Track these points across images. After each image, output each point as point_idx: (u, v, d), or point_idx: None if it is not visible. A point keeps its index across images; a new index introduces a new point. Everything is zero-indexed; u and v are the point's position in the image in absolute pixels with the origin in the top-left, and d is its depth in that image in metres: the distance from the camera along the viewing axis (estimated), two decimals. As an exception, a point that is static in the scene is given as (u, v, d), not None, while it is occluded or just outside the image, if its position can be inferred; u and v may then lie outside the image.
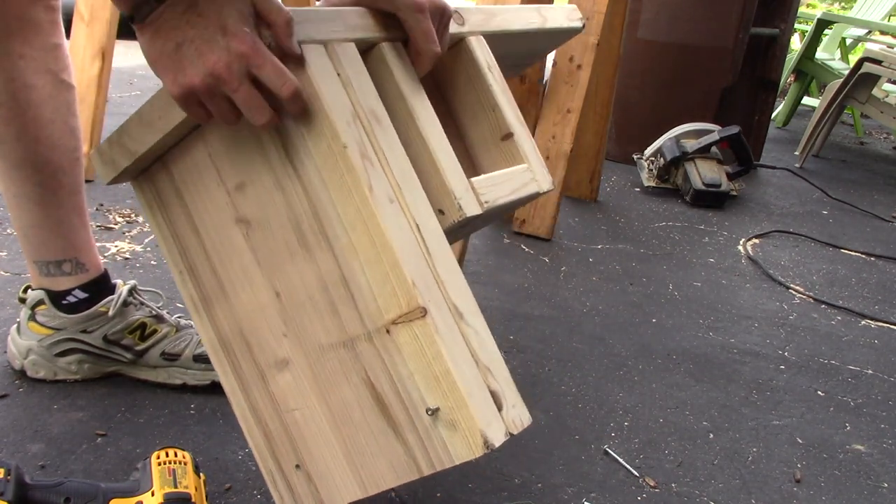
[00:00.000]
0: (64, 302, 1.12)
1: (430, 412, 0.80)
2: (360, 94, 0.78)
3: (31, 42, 1.02)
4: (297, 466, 0.88)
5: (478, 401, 0.76)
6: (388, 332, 0.79)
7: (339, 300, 0.81)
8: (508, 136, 0.94)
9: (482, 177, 0.88)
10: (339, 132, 0.74)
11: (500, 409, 0.78)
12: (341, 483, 0.89)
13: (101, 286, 1.14)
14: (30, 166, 1.06)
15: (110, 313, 1.12)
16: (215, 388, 1.17)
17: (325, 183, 0.77)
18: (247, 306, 0.86)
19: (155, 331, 1.15)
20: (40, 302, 1.12)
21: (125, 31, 2.49)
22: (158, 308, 1.18)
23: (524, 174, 0.93)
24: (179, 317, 1.20)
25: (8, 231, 1.64)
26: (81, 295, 1.12)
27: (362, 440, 0.87)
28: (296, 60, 0.73)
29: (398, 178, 0.78)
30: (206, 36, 0.69)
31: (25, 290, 1.14)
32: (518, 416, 0.80)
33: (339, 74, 0.77)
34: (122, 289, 1.14)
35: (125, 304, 1.14)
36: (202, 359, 1.16)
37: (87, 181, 1.98)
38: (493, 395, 0.78)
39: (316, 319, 0.83)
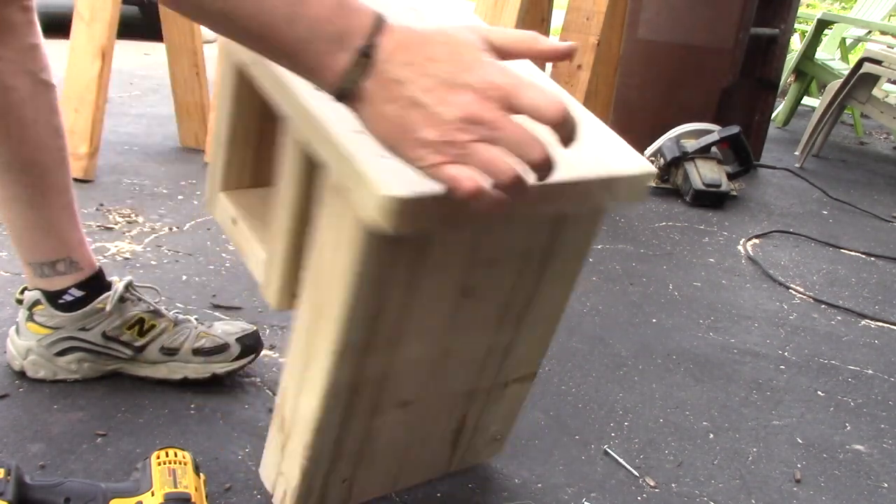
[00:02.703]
0: (60, 301, 1.12)
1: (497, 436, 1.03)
2: None
3: (7, 44, 1.02)
4: (344, 481, 0.92)
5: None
6: (506, 385, 0.96)
7: (492, 361, 0.91)
8: None
9: None
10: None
11: None
12: (375, 485, 0.96)
13: (96, 284, 1.14)
14: (17, 169, 1.06)
15: (107, 309, 1.12)
16: (215, 383, 1.18)
17: (562, 276, 0.86)
18: (407, 357, 0.82)
19: (153, 326, 1.15)
20: (37, 302, 1.12)
21: (125, 31, 2.49)
22: (155, 303, 1.18)
23: None
24: (177, 313, 1.20)
25: (7, 231, 1.64)
26: (77, 293, 1.12)
27: (422, 455, 0.97)
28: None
29: None
30: (448, 78, 0.57)
31: (22, 292, 1.14)
32: None
33: None
34: (119, 284, 1.14)
35: (122, 299, 1.14)
36: (201, 352, 1.16)
37: (86, 181, 2.00)
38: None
39: (462, 374, 0.89)
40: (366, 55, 0.58)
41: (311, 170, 0.75)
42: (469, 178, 0.57)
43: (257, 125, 0.89)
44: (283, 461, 0.91)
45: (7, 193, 1.08)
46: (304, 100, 0.70)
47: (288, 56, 0.59)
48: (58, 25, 2.44)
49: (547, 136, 0.59)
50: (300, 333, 0.83)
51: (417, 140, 0.57)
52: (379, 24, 0.58)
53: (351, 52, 0.57)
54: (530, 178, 0.60)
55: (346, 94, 0.59)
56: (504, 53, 0.61)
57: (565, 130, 0.59)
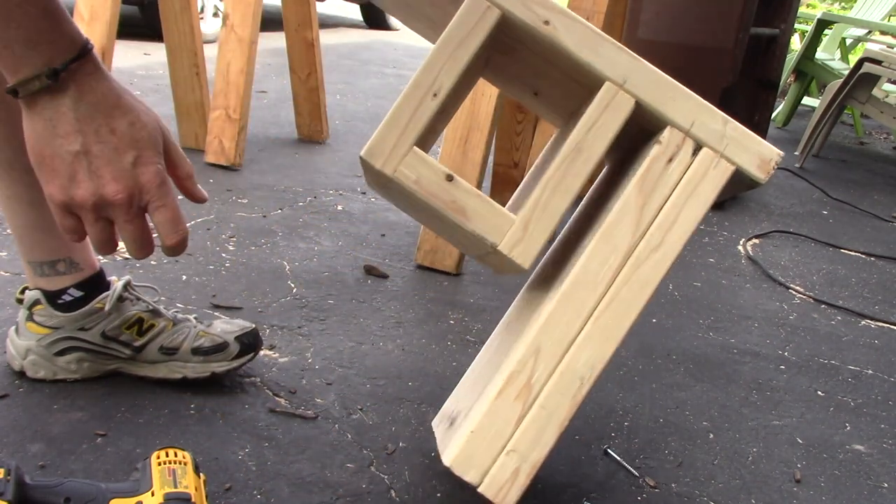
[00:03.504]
0: (59, 301, 1.12)
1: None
2: None
3: None
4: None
5: None
6: None
7: None
8: None
9: None
10: None
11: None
12: None
13: (95, 284, 1.14)
14: (20, 168, 1.06)
15: (106, 309, 1.12)
16: (215, 382, 1.18)
17: None
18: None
19: (152, 325, 1.15)
20: (37, 302, 1.12)
21: (125, 31, 2.49)
22: (154, 303, 1.18)
23: None
24: (176, 312, 1.20)
25: (7, 231, 1.64)
26: (76, 293, 1.12)
27: None
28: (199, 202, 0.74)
29: None
30: (115, 158, 0.65)
31: (22, 292, 1.14)
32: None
33: None
34: (117, 284, 1.14)
35: (121, 299, 1.14)
36: (200, 351, 1.16)
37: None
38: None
39: None
40: (50, 76, 0.63)
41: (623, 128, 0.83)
42: (76, 235, 0.69)
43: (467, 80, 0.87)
44: (518, 435, 0.84)
45: (9, 192, 1.08)
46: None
47: None
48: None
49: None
50: (580, 283, 0.83)
51: (62, 187, 0.65)
52: (81, 55, 0.64)
53: (32, 65, 0.63)
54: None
55: (17, 94, 0.65)
56: (170, 165, 0.71)
57: (175, 253, 0.71)
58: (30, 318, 1.13)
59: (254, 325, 1.21)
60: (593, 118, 0.83)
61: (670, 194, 0.84)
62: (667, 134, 0.84)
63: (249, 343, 1.19)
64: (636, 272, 0.83)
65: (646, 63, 0.84)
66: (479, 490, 0.82)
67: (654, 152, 0.84)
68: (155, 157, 0.67)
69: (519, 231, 0.82)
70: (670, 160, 0.84)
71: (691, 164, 0.84)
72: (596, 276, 0.83)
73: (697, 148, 0.84)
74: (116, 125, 0.66)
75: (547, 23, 0.82)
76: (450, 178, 0.83)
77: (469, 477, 0.83)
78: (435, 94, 0.82)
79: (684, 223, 0.83)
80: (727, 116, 0.84)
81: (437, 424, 1.09)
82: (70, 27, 0.66)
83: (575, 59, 0.83)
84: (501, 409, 0.83)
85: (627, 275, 0.83)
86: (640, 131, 0.90)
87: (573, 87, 0.93)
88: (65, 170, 0.64)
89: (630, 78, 0.83)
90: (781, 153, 0.85)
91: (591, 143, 0.83)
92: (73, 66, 0.64)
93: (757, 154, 0.84)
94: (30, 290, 1.13)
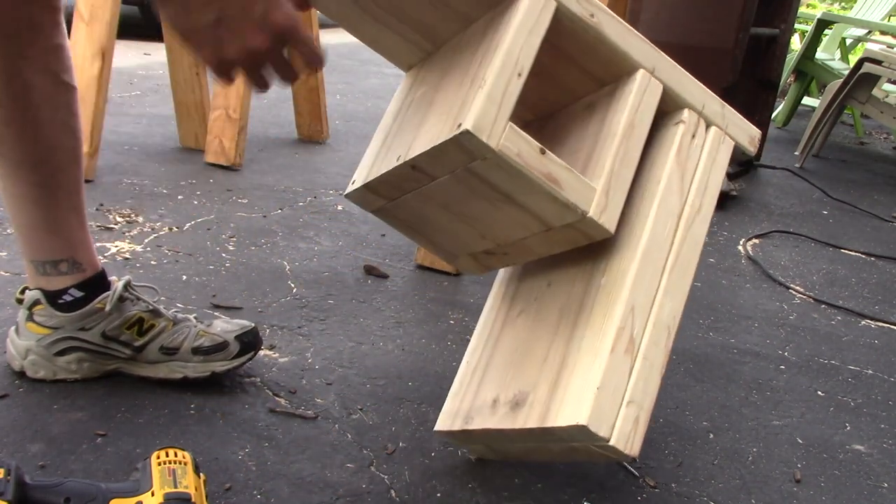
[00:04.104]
0: (60, 301, 1.12)
1: None
2: None
3: (32, 42, 1.02)
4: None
5: None
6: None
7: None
8: None
9: None
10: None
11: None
12: None
13: (97, 285, 1.14)
14: (29, 166, 1.06)
15: (107, 309, 1.12)
16: (215, 382, 1.18)
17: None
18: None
19: (152, 325, 1.15)
20: (37, 302, 1.12)
21: (125, 31, 2.48)
22: (154, 303, 1.18)
23: None
24: (176, 312, 1.20)
25: (8, 231, 1.64)
26: (77, 294, 1.12)
27: None
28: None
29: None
30: (248, 14, 0.70)
31: (22, 292, 1.14)
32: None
33: None
34: (118, 284, 1.14)
35: (121, 299, 1.14)
36: (201, 351, 1.16)
37: (86, 181, 1.99)
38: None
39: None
40: None
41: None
42: (231, 83, 0.76)
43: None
44: (632, 387, 0.87)
45: (16, 190, 1.08)
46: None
47: None
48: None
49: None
50: (653, 243, 0.92)
51: (213, 52, 0.72)
52: None
53: None
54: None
55: None
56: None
57: (316, 67, 0.77)
58: (30, 318, 1.13)
59: (254, 325, 1.21)
60: (637, 101, 0.94)
61: (698, 165, 0.97)
62: (686, 115, 0.97)
63: (249, 342, 1.19)
64: (689, 231, 0.94)
65: (664, 54, 0.97)
66: (611, 444, 0.85)
67: (681, 130, 0.97)
68: (280, 1, 0.72)
69: (603, 199, 0.90)
70: (693, 136, 0.97)
71: (707, 139, 0.98)
72: (662, 237, 0.93)
73: (707, 126, 0.99)
74: None
75: (592, 16, 0.93)
76: (543, 152, 0.89)
77: (602, 432, 0.85)
78: (519, 74, 0.88)
79: (713, 187, 0.97)
80: (721, 100, 1.00)
81: (466, 415, 1.08)
82: None
83: (615, 49, 0.93)
84: (616, 365, 0.88)
85: (683, 234, 0.94)
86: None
87: (573, 83, 1.02)
88: (209, 38, 0.71)
89: (657, 66, 0.96)
90: (760, 132, 1.03)
91: (639, 120, 0.94)
92: None
93: (747, 132, 1.02)
94: (30, 289, 1.13)
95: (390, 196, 1.04)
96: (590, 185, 0.90)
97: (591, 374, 0.87)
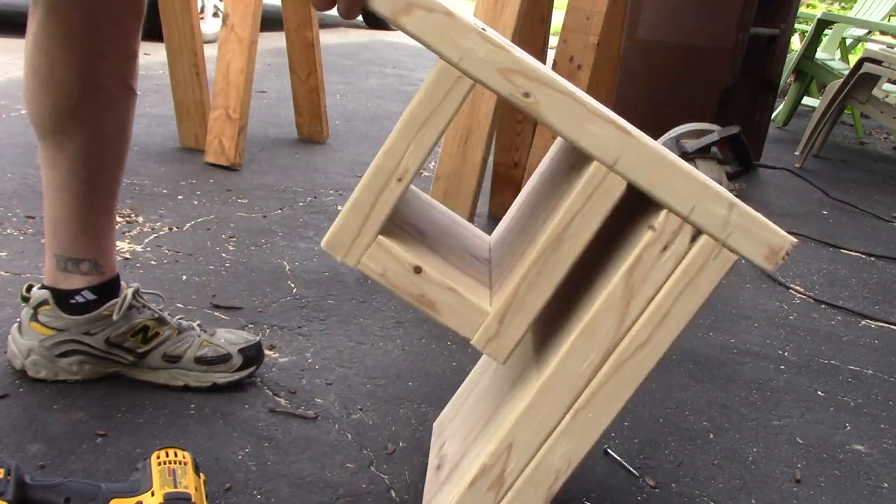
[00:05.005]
0: (71, 301, 1.12)
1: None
2: None
3: (113, 42, 1.05)
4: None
5: None
6: None
7: None
8: None
9: None
10: None
11: None
12: None
13: (110, 288, 1.14)
14: (81, 162, 1.08)
15: (114, 317, 1.13)
16: (216, 390, 1.18)
17: None
18: None
19: (157, 333, 1.16)
20: (44, 302, 1.12)
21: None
22: (160, 310, 1.18)
23: None
24: (180, 318, 1.20)
25: (8, 231, 1.64)
26: (90, 296, 1.12)
27: None
28: None
29: None
30: None
31: (28, 290, 1.14)
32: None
33: None
34: (127, 292, 1.14)
35: (129, 307, 1.14)
36: (203, 361, 1.16)
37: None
38: None
39: None
40: None
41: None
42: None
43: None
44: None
45: (62, 184, 1.09)
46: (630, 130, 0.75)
47: None
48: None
49: None
50: (559, 378, 0.79)
51: None
52: None
53: None
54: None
55: None
56: None
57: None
58: (34, 317, 1.13)
59: (258, 339, 1.21)
60: (578, 205, 0.75)
61: (662, 286, 0.76)
62: (662, 219, 0.75)
63: (252, 356, 1.19)
64: (619, 370, 0.78)
65: (641, 139, 0.75)
66: None
67: (647, 239, 0.75)
68: None
69: (494, 326, 0.78)
70: (665, 248, 0.76)
71: (688, 252, 0.76)
72: (575, 373, 0.78)
73: (696, 234, 0.75)
74: None
75: (527, 95, 0.74)
76: (418, 271, 0.78)
77: None
78: (400, 179, 0.76)
79: (675, 319, 0.76)
80: (734, 199, 0.75)
81: (433, 445, 1.07)
82: None
83: (559, 134, 0.75)
84: (473, 500, 0.82)
85: (609, 373, 0.78)
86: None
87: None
88: None
89: (622, 157, 0.74)
90: (795, 241, 0.76)
91: (574, 232, 0.76)
92: None
93: (766, 243, 0.75)
94: (38, 288, 1.13)
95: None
96: (479, 309, 0.79)
97: (449, 499, 0.83)
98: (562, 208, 0.76)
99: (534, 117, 0.75)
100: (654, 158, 0.74)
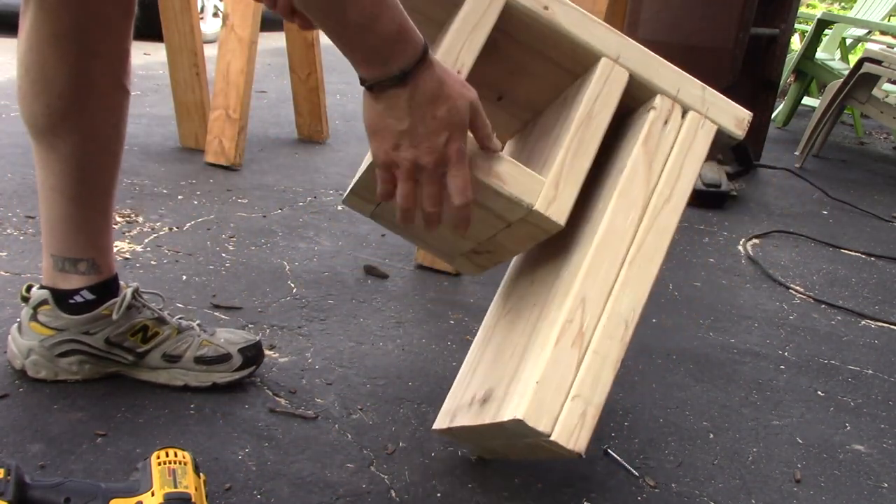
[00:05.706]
0: (70, 301, 1.12)
1: None
2: None
3: (104, 41, 1.05)
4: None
5: None
6: None
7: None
8: None
9: None
10: None
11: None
12: None
13: (109, 288, 1.14)
14: (74, 162, 1.08)
15: (114, 317, 1.13)
16: (216, 390, 1.18)
17: None
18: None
19: (157, 333, 1.16)
20: (44, 302, 1.12)
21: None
22: (160, 310, 1.18)
23: None
24: (180, 318, 1.20)
25: (8, 231, 1.64)
26: (89, 296, 1.12)
27: None
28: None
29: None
30: (432, 137, 0.82)
31: (28, 290, 1.14)
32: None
33: None
34: (126, 291, 1.14)
35: (128, 306, 1.14)
36: (203, 360, 1.16)
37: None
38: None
39: None
40: (399, 78, 0.79)
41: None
42: (389, 193, 0.88)
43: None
44: (579, 381, 0.85)
45: (55, 183, 1.09)
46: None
47: (347, 48, 0.80)
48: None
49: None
50: (611, 234, 0.90)
51: (387, 151, 0.84)
52: (422, 58, 0.80)
53: (387, 69, 0.80)
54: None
55: (367, 87, 0.82)
56: (473, 128, 0.87)
57: (459, 217, 0.87)
58: (34, 317, 1.13)
59: (258, 339, 1.21)
60: (597, 90, 0.93)
61: (670, 152, 0.94)
62: (658, 101, 0.95)
63: (252, 356, 1.19)
64: (655, 221, 0.91)
65: (632, 41, 0.95)
66: (552, 438, 0.82)
67: (651, 116, 0.94)
68: (461, 137, 0.83)
69: (551, 190, 0.89)
70: (665, 123, 0.94)
71: (682, 125, 0.95)
72: (622, 228, 0.90)
73: (685, 112, 0.95)
74: (437, 112, 0.81)
75: (546, 8, 0.93)
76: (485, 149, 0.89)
77: (542, 426, 0.82)
78: (458, 72, 0.89)
79: (687, 176, 0.93)
80: (703, 83, 0.97)
81: (453, 413, 1.07)
82: (415, 35, 0.80)
83: (573, 39, 0.93)
84: (561, 357, 0.86)
85: (648, 224, 0.91)
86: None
87: (552, 77, 1.01)
88: (392, 140, 0.83)
89: (622, 54, 0.94)
90: (751, 113, 0.99)
91: (598, 110, 0.92)
92: (415, 67, 0.80)
93: (733, 115, 0.98)
94: (37, 288, 1.13)
95: (376, 200, 1.03)
96: (537, 177, 0.89)
97: (536, 367, 0.85)
98: (584, 98, 0.92)
99: (551, 28, 0.93)
100: (645, 55, 0.96)
